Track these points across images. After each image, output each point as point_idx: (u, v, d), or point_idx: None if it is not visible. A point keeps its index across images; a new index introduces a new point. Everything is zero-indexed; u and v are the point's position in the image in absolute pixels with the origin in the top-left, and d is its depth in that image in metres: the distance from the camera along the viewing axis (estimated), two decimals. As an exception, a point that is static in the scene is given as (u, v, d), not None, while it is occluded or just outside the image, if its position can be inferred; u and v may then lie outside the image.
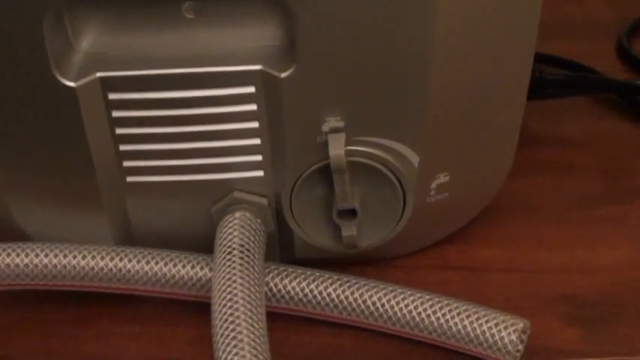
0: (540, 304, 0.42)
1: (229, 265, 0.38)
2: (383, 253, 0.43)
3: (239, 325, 0.35)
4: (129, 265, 0.40)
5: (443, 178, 0.41)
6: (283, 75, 0.36)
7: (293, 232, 0.41)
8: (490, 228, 0.45)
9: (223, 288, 0.37)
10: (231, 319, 0.35)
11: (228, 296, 0.36)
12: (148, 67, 0.37)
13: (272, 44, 0.37)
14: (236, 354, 0.34)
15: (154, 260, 0.40)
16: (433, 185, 0.41)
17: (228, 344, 0.35)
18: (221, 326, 0.35)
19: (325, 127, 0.38)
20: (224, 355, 0.34)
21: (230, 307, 0.36)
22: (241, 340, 0.35)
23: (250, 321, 0.35)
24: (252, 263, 0.38)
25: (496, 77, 0.39)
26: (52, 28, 0.36)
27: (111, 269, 0.40)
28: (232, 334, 0.35)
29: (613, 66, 0.54)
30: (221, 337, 0.35)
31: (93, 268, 0.40)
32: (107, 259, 0.40)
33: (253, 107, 0.38)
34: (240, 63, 0.37)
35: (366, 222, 0.40)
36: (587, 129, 0.51)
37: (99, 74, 0.37)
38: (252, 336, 0.35)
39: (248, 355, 0.34)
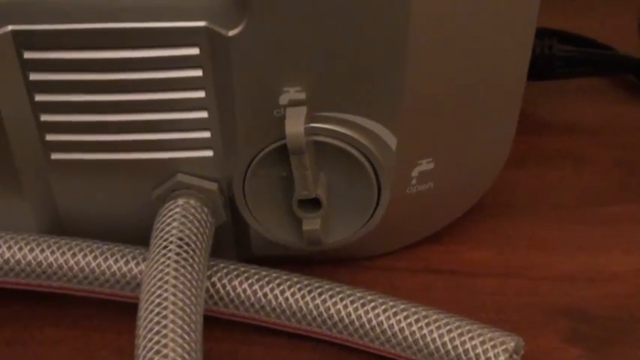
0: (538, 317, 0.35)
1: (163, 262, 0.31)
2: (356, 253, 0.37)
3: (165, 336, 0.29)
4: (51, 258, 0.34)
5: (426, 165, 0.34)
6: (231, 33, 0.30)
7: (249, 224, 0.35)
8: (483, 226, 0.39)
9: (153, 290, 0.31)
10: (157, 328, 0.29)
11: (157, 300, 0.30)
12: (71, 20, 0.31)
13: (219, -4, 0.31)
14: (158, 372, 0.28)
15: (82, 253, 0.34)
16: (414, 173, 0.34)
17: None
18: (144, 336, 0.29)
19: (283, 99, 0.32)
20: (144, 374, 0.28)
21: (158, 313, 0.30)
22: (166, 356, 0.28)
23: (180, 331, 0.29)
24: (191, 260, 0.32)
25: (490, 50, 0.32)
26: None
27: (30, 262, 0.34)
28: (156, 348, 0.29)
29: (634, 44, 0.47)
30: (143, 350, 0.29)
31: (8, 261, 0.34)
32: (26, 249, 0.34)
33: (198, 73, 0.32)
34: (180, 18, 0.31)
35: (333, 215, 0.34)
36: (600, 115, 0.45)
37: (11, 27, 0.31)
38: (179, 350, 0.29)
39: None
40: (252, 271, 0.34)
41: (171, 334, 0.29)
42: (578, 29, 0.46)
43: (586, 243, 0.38)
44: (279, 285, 0.34)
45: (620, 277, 0.37)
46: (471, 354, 0.31)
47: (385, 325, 0.33)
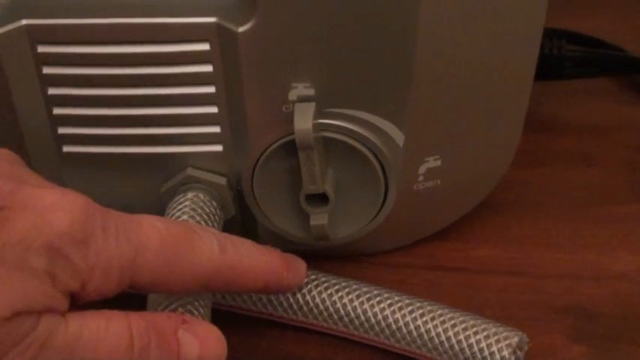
0: (543, 315, 0.36)
1: (172, 255, 0.32)
2: (363, 248, 0.37)
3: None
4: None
5: (433, 162, 0.35)
6: (241, 29, 0.31)
7: (257, 219, 0.36)
8: (490, 224, 0.39)
9: (161, 282, 0.31)
10: (165, 318, 0.30)
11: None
12: (84, 15, 0.31)
13: (229, -8, 0.31)
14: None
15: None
16: (421, 170, 0.35)
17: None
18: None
19: (292, 95, 0.32)
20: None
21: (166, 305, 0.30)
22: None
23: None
24: (199, 253, 0.32)
25: (497, 49, 0.33)
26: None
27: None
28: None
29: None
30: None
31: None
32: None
33: (208, 68, 0.32)
34: (191, 14, 0.31)
35: (341, 210, 0.34)
36: (609, 115, 0.45)
37: (25, 22, 0.31)
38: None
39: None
40: (260, 265, 0.35)
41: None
42: (587, 30, 0.46)
43: (593, 242, 0.39)
44: (286, 279, 0.34)
45: (625, 276, 0.37)
46: (475, 348, 0.32)
47: (390, 320, 0.33)
